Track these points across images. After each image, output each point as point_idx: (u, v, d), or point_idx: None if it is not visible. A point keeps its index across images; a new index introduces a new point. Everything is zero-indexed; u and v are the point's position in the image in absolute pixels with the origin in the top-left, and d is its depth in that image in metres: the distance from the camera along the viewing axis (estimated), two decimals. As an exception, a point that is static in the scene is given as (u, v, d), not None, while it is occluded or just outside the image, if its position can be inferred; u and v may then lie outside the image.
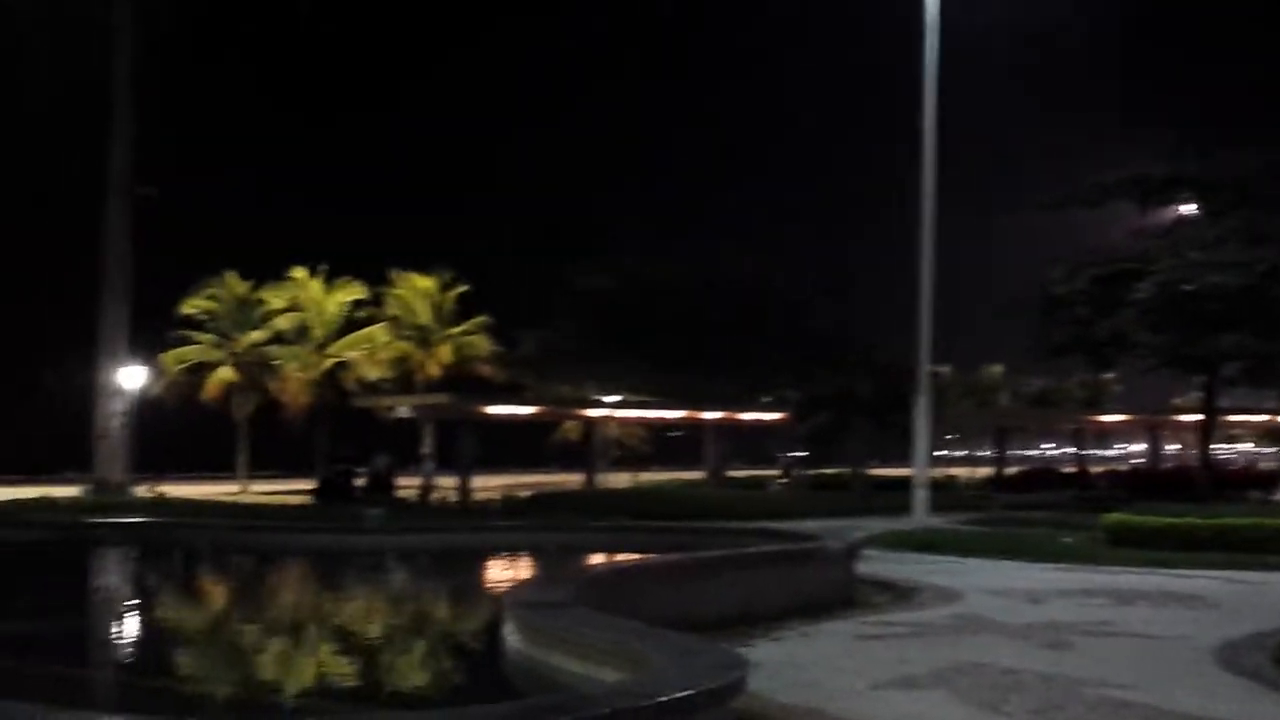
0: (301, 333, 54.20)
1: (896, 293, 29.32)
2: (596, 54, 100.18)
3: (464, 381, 51.14)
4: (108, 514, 20.35)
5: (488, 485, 36.75)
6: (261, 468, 53.17)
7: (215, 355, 53.51)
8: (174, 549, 15.09)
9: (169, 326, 52.49)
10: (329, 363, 53.75)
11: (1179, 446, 60.73)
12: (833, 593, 10.94)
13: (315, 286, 54.13)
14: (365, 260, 54.64)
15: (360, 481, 28.01)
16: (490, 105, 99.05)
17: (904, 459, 27.44)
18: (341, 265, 54.30)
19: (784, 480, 40.62)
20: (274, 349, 53.81)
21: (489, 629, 7.83)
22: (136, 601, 11.56)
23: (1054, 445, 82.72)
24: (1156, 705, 6.75)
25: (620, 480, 48.44)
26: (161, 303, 49.34)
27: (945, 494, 31.36)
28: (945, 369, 49.96)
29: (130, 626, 9.83)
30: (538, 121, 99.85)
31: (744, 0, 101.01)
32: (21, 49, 34.82)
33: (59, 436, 42.73)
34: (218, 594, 12.57)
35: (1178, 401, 52.50)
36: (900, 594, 11.95)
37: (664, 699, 4.35)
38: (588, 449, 44.46)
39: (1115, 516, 17.75)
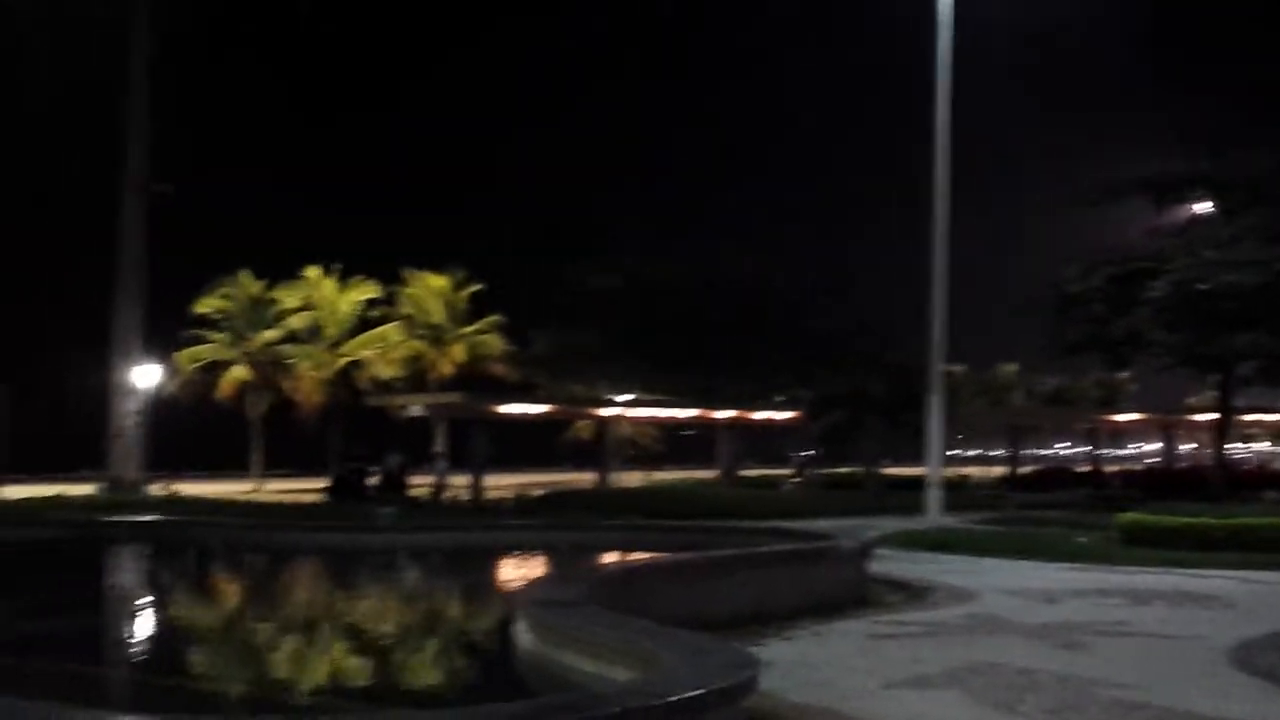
0: (315, 332, 54.36)
1: (909, 292, 29.30)
2: (596, 54, 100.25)
3: (477, 380, 51.23)
4: (122, 512, 20.41)
5: (500, 484, 36.77)
6: (275, 466, 53.33)
7: (229, 354, 53.70)
8: (187, 547, 15.13)
9: (183, 326, 52.72)
10: (342, 362, 53.90)
11: (1194, 446, 60.50)
12: (846, 592, 10.90)
13: (328, 286, 54.28)
14: (377, 260, 54.79)
15: (373, 480, 28.03)
16: (490, 105, 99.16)
17: (917, 458, 27.38)
18: (353, 264, 54.47)
19: (797, 479, 40.56)
20: (287, 348, 53.98)
21: (501, 627, 7.83)
22: (150, 600, 11.59)
23: (1068, 445, 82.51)
24: (1171, 706, 6.70)
25: (633, 479, 48.44)
26: (176, 302, 49.57)
27: (959, 493, 31.26)
28: (958, 368, 49.89)
29: (143, 625, 9.85)
30: (538, 121, 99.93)
31: (744, 0, 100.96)
32: (36, 49, 34.97)
33: (74, 435, 42.90)
34: (231, 592, 12.59)
35: (1193, 401, 52.31)
36: (914, 593, 11.91)
37: (675, 698, 4.33)
38: (600, 448, 44.46)
39: (1130, 516, 17.67)
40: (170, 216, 35.59)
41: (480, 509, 26.82)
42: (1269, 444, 67.06)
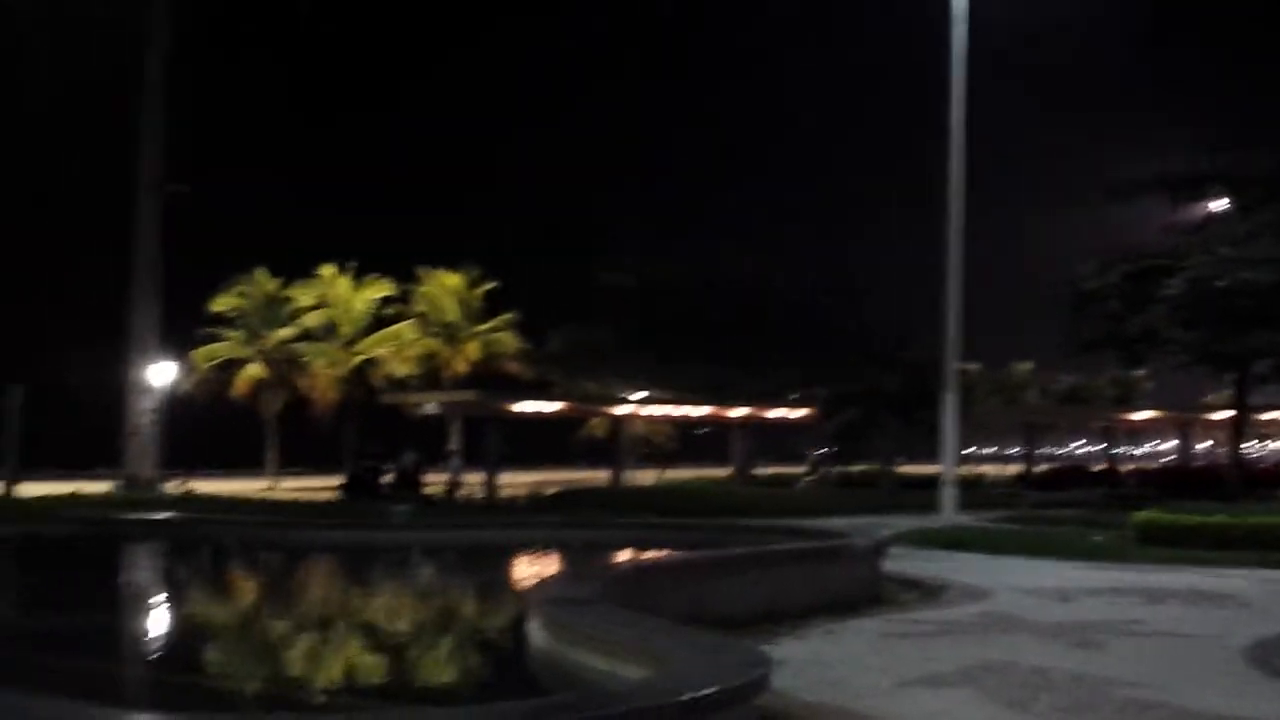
0: (330, 330, 54.53)
1: (922, 290, 29.25)
2: (596, 54, 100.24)
3: (491, 378, 51.31)
4: (137, 510, 20.49)
5: (515, 482, 36.85)
6: (290, 464, 53.51)
7: (244, 352, 53.90)
8: (202, 545, 15.18)
9: (199, 324, 52.93)
10: (357, 360, 54.04)
11: (1210, 444, 60.22)
12: (859, 590, 10.88)
13: (343, 284, 54.44)
14: (375, 259, 54.88)
15: (387, 478, 28.10)
16: (490, 105, 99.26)
17: (932, 456, 27.32)
18: (367, 262, 54.62)
19: (811, 478, 40.51)
20: (302, 346, 54.16)
21: (514, 625, 7.84)
22: (164, 597, 11.63)
23: (1083, 443, 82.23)
24: (1186, 705, 6.67)
25: (647, 478, 48.45)
26: (191, 300, 49.75)
27: (974, 492, 31.18)
28: (973, 365, 49.74)
29: (158, 622, 9.89)
30: (538, 121, 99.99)
31: (744, 0, 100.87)
32: (48, 48, 35.12)
33: (91, 433, 43.09)
34: (244, 590, 12.63)
35: (1209, 399, 52.07)
36: (928, 592, 11.88)
37: (688, 696, 4.33)
38: (614, 446, 44.49)
39: (1145, 515, 17.60)
40: (184, 215, 35.73)
41: (494, 507, 26.86)
42: (1286, 442, 66.72)
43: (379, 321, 55.19)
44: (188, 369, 50.39)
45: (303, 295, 54.28)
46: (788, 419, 45.40)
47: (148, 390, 33.53)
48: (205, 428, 50.94)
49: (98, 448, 41.84)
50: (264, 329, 54.23)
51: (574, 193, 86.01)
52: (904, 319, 39.21)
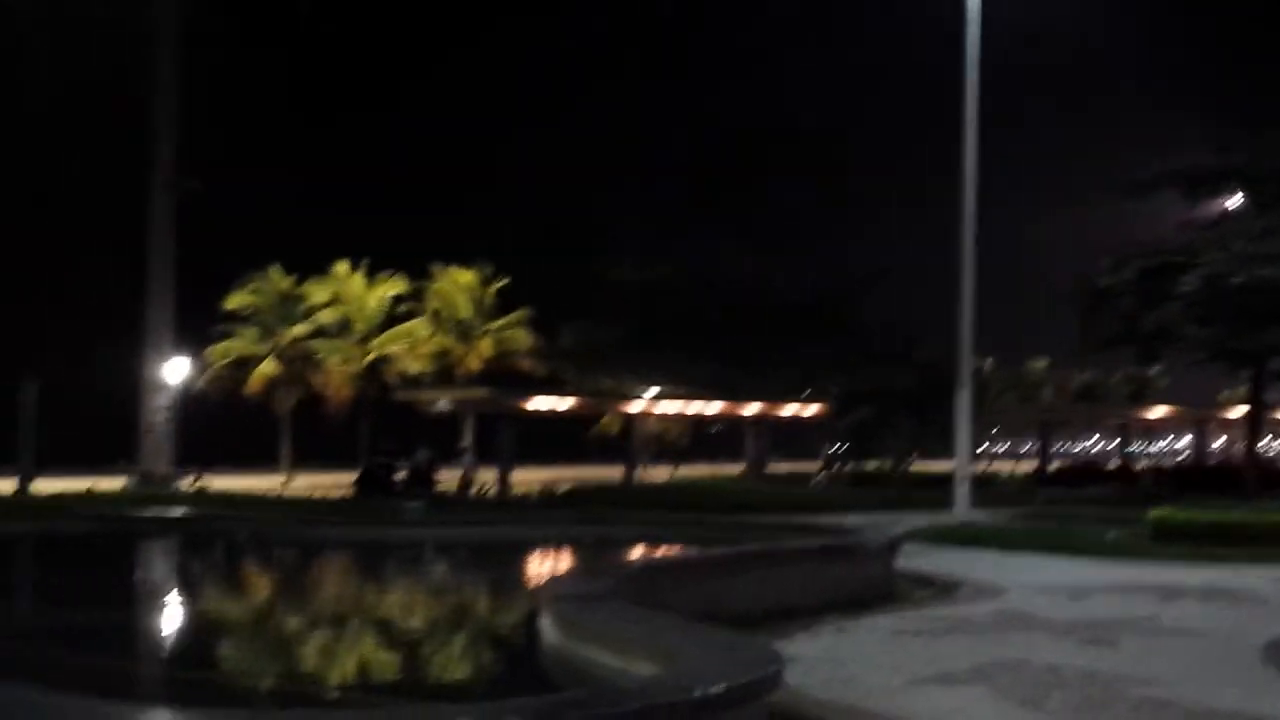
0: (343, 327, 54.65)
1: (936, 288, 29.18)
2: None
3: (504, 375, 51.37)
4: (151, 506, 20.57)
5: (527, 479, 36.85)
6: (304, 461, 53.63)
7: (258, 349, 54.06)
8: (215, 541, 15.23)
9: (213, 321, 53.11)
10: (370, 356, 54.16)
11: (1225, 442, 59.95)
12: (873, 588, 10.86)
13: (357, 281, 54.57)
14: (390, 257, 54.95)
15: (400, 475, 28.15)
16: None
17: (946, 454, 27.26)
18: (373, 260, 54.76)
19: (824, 475, 40.47)
20: (316, 343, 54.30)
21: (526, 622, 7.84)
22: (178, 593, 11.67)
23: (1098, 440, 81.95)
24: (1200, 703, 6.64)
25: (660, 475, 48.44)
26: (205, 298, 49.90)
27: (988, 489, 31.08)
28: (987, 362, 49.61)
29: (171, 618, 9.92)
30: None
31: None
32: (60, 46, 35.26)
33: (107, 430, 43.29)
34: (258, 586, 12.66)
35: (1224, 396, 51.84)
36: (941, 589, 11.86)
37: (700, 693, 4.32)
38: (627, 443, 44.50)
39: (1160, 512, 17.53)
40: (197, 212, 35.86)
41: (506, 503, 26.88)
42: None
43: (392, 319, 55.31)
44: (202, 366, 50.58)
45: (316, 292, 54.42)
46: (801, 416, 45.35)
47: (162, 387, 33.67)
48: (219, 424, 51.09)
49: (113, 444, 42.02)
50: (278, 326, 54.38)
51: (574, 193, 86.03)
52: (918, 317, 39.18)
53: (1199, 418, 48.99)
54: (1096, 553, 15.83)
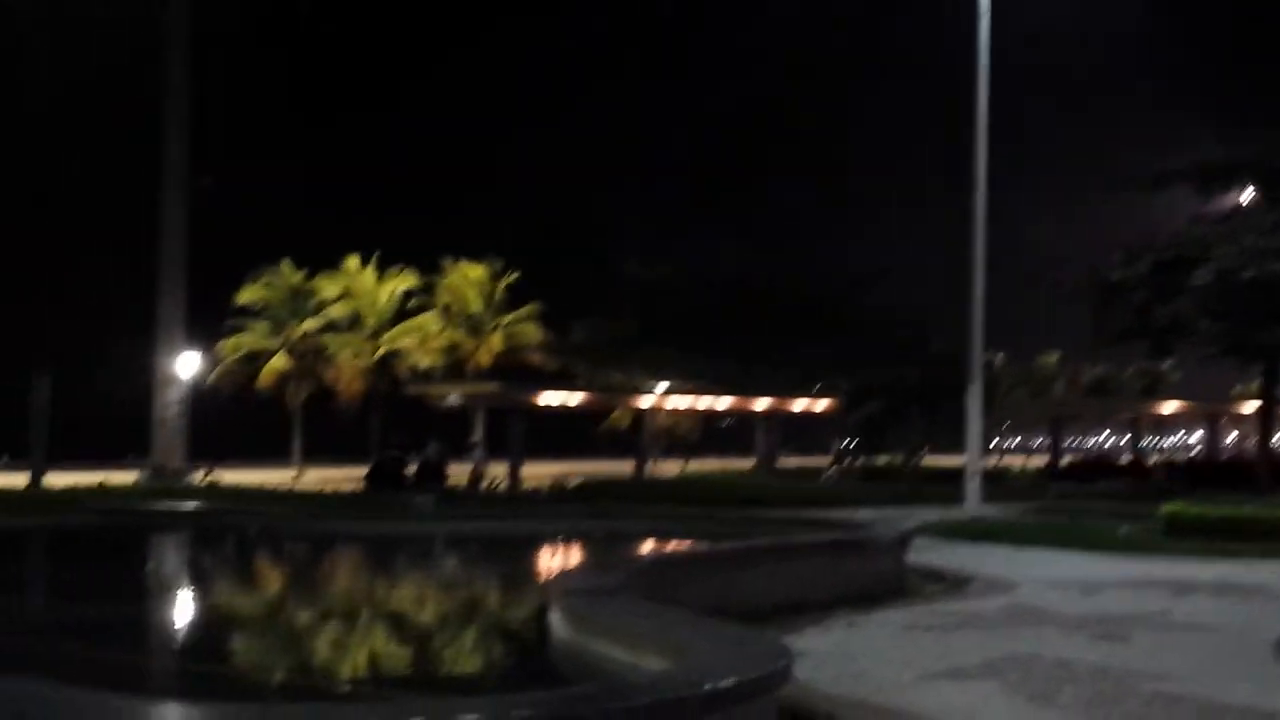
0: (354, 321, 54.75)
1: (948, 283, 29.11)
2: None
3: (514, 370, 51.43)
4: (163, 500, 20.63)
5: (538, 473, 36.87)
6: (315, 455, 53.77)
7: (269, 344, 54.18)
8: (227, 535, 15.27)
9: (224, 316, 53.26)
10: (381, 351, 54.25)
11: (1236, 436, 59.74)
12: (883, 582, 10.84)
13: (368, 276, 54.66)
14: (391, 256, 55.00)
15: (411, 469, 28.19)
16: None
17: (957, 448, 27.21)
18: (384, 256, 54.83)
19: (834, 470, 40.44)
20: (327, 337, 54.40)
21: (536, 616, 7.84)
22: (188, 588, 11.70)
23: (1109, 435, 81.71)
24: (1212, 698, 6.61)
25: (670, 469, 48.46)
26: (216, 292, 50.04)
27: (999, 484, 31.03)
28: (998, 356, 49.50)
29: (181, 611, 9.95)
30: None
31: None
32: (71, 45, 35.36)
33: (120, 424, 43.46)
34: (268, 580, 12.69)
35: (1237, 391, 51.67)
36: (952, 584, 11.84)
37: (709, 688, 4.31)
38: (637, 438, 44.51)
39: (1172, 507, 17.47)
40: (208, 208, 35.98)
41: (517, 498, 26.91)
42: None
43: (403, 313, 55.39)
44: (213, 361, 50.71)
45: (327, 287, 54.53)
46: (812, 411, 45.32)
47: (174, 382, 33.77)
48: (231, 419, 51.27)
49: (125, 439, 42.19)
50: (289, 321, 54.49)
51: (574, 193, 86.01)
52: (929, 313, 39.07)
53: (1211, 412, 48.86)
54: (1108, 548, 15.78)
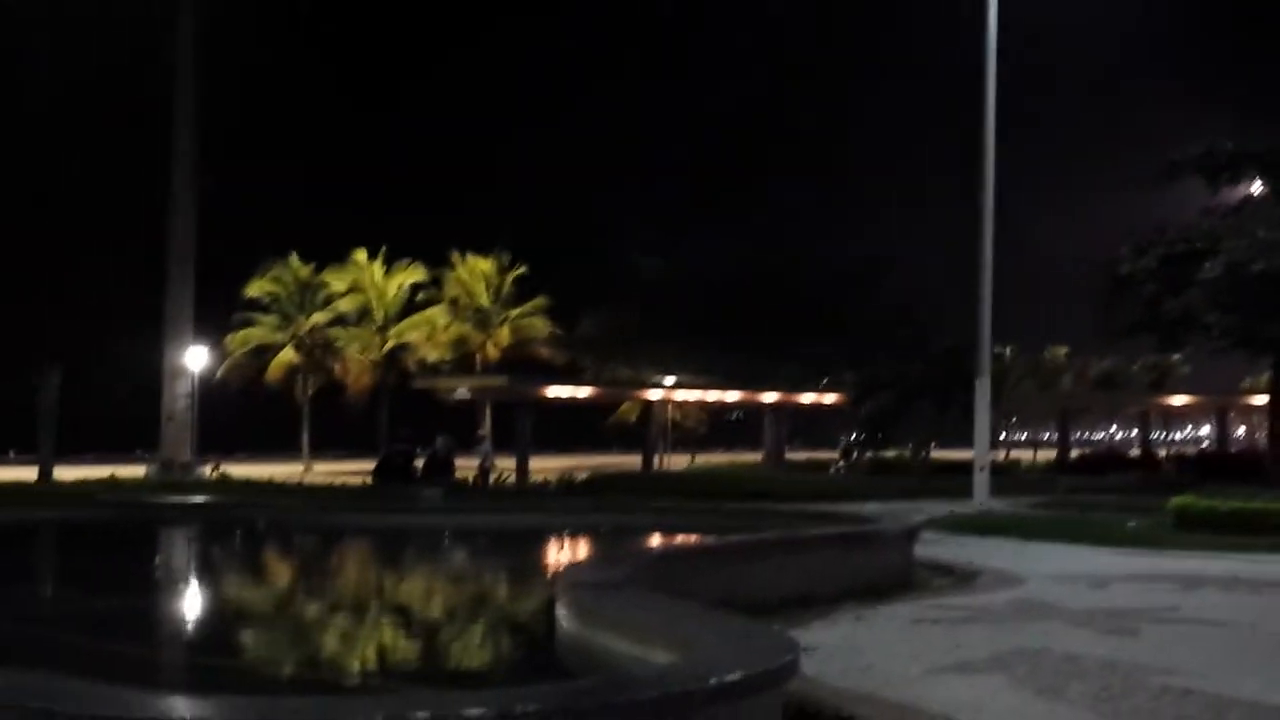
0: (363, 315, 54.81)
1: (958, 276, 29.06)
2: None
3: (522, 363, 51.47)
4: (172, 494, 20.69)
5: (545, 467, 36.90)
6: (323, 448, 53.88)
7: (278, 337, 54.26)
8: (234, 528, 15.30)
9: (233, 309, 53.36)
10: (389, 345, 54.31)
11: (1246, 430, 59.60)
12: (891, 576, 10.82)
13: (376, 269, 54.70)
14: (403, 252, 55.00)
15: (419, 462, 28.22)
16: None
17: (965, 442, 27.16)
18: (392, 253, 54.85)
19: (843, 463, 40.42)
20: (335, 331, 54.48)
21: (542, 609, 7.84)
22: (196, 580, 11.73)
23: (1117, 429, 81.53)
24: (1221, 693, 6.59)
25: (679, 462, 48.47)
26: (224, 286, 50.15)
27: (1008, 477, 30.99)
28: (1007, 349, 49.40)
29: (188, 604, 9.97)
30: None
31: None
32: (87, 36, 35.41)
33: (130, 418, 43.61)
34: (277, 573, 12.72)
35: (1246, 384, 51.54)
36: (960, 578, 11.81)
37: (715, 682, 4.30)
38: (646, 431, 44.50)
39: (1182, 500, 17.42)
40: (215, 203, 36.05)
41: (525, 491, 26.94)
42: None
43: (411, 307, 55.43)
44: (221, 355, 50.80)
45: (336, 280, 54.60)
46: (820, 404, 45.27)
47: (183, 375, 33.83)
48: (239, 412, 51.38)
49: (133, 433, 42.30)
50: (298, 314, 54.56)
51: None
52: (938, 307, 39.01)
53: (1221, 405, 48.72)
54: (1117, 541, 15.75)
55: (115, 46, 35.57)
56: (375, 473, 25.47)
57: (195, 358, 35.17)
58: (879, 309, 39.47)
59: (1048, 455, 51.51)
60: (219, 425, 41.60)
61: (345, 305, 54.57)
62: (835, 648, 7.73)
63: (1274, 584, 11.55)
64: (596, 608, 6.09)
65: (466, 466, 31.45)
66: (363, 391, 54.09)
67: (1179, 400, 50.51)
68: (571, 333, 49.00)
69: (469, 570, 12.64)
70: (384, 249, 54.50)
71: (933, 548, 13.50)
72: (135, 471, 30.68)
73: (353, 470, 37.99)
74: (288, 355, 53.90)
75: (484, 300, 55.53)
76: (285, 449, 53.10)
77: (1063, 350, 64.84)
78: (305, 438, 53.21)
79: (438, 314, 54.77)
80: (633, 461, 43.66)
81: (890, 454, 38.48)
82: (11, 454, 48.50)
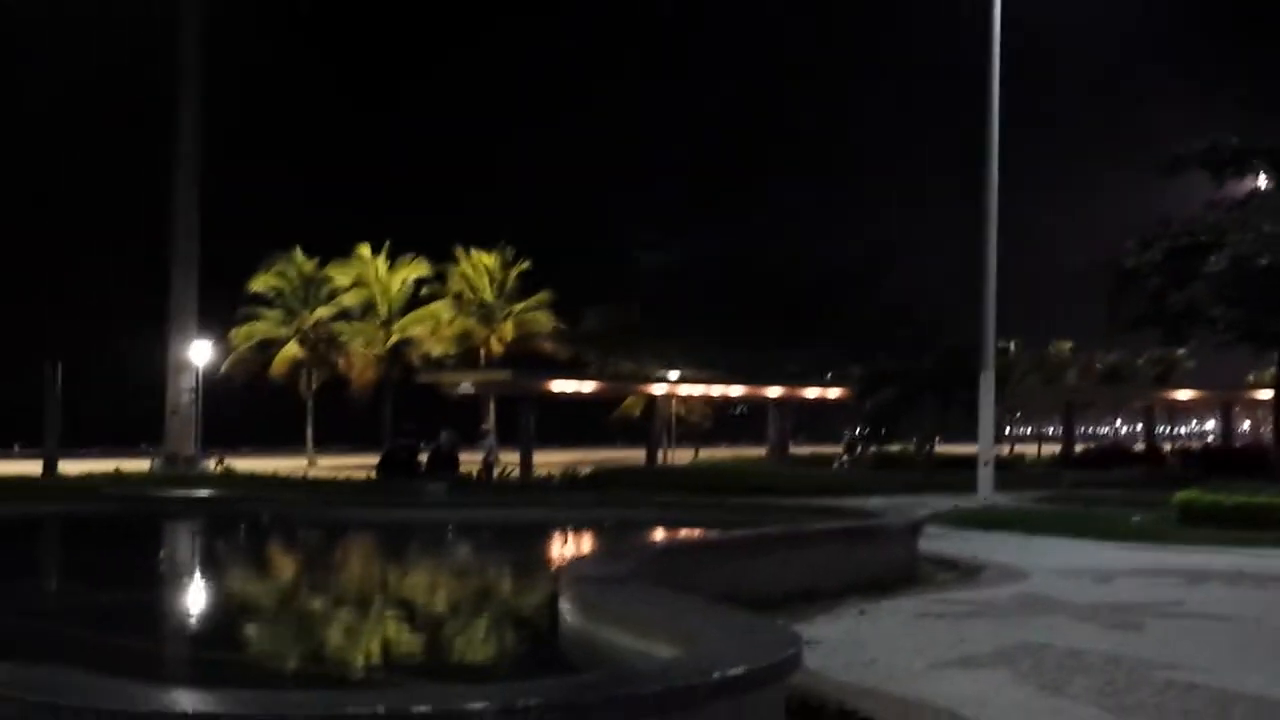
0: (367, 309, 54.84)
1: (961, 271, 29.03)
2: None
3: (526, 358, 51.49)
4: (176, 488, 20.71)
5: (549, 461, 36.91)
6: (327, 443, 53.93)
7: (282, 332, 54.30)
8: (238, 522, 15.32)
9: (238, 303, 53.41)
10: (393, 339, 54.33)
11: (1251, 425, 59.51)
12: (895, 570, 10.82)
13: (380, 264, 54.72)
14: (419, 244, 54.99)
15: (423, 457, 28.25)
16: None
17: (970, 436, 27.14)
18: (395, 250, 54.86)
19: (847, 457, 40.40)
20: (339, 325, 54.52)
21: (546, 604, 7.84)
22: (200, 574, 11.74)
23: (1122, 423, 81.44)
24: (1227, 687, 6.58)
25: (683, 457, 48.45)
26: (228, 281, 50.18)
27: (1012, 472, 30.96)
28: (1012, 344, 49.33)
29: (192, 599, 9.98)
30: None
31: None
32: (92, 30, 35.42)
33: (135, 412, 43.69)
34: (281, 567, 12.73)
35: (1251, 378, 51.42)
36: (964, 572, 11.81)
37: (718, 676, 4.30)
38: (649, 425, 44.49)
39: (1186, 495, 17.39)
40: (218, 198, 36.07)
41: (528, 486, 26.94)
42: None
43: (415, 301, 55.46)
44: (226, 349, 50.85)
45: (340, 275, 54.62)
46: (825, 398, 45.24)
47: (187, 369, 33.87)
48: (244, 407, 51.44)
49: (138, 427, 42.36)
50: (302, 308, 54.60)
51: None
52: (942, 302, 38.97)
53: (1226, 400, 48.65)
54: (1122, 536, 15.73)
55: (116, 46, 35.59)
56: (379, 467, 25.51)
57: (199, 352, 35.20)
58: (882, 306, 39.45)
59: (1052, 450, 51.46)
60: (223, 420, 41.64)
61: (349, 300, 54.59)
62: (839, 642, 7.73)
63: (1278, 578, 11.53)
64: (600, 602, 6.09)
65: (470, 461, 31.49)
66: (367, 386, 54.11)
67: (1184, 395, 50.41)
68: (575, 327, 48.99)
69: (473, 565, 12.64)
70: (388, 244, 54.53)
71: (937, 542, 13.50)
72: (140, 466, 30.72)
73: (357, 465, 38.01)
74: (292, 350, 53.93)
75: (488, 295, 55.54)
76: (289, 444, 53.15)
77: (1067, 345, 64.73)
78: (309, 432, 53.27)
79: (442, 309, 54.78)
80: (636, 456, 43.63)
81: (894, 448, 38.47)
82: (16, 448, 48.60)
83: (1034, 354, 60.14)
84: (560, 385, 39.39)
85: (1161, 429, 58.94)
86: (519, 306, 55.72)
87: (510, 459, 34.15)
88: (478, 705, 3.71)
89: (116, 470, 26.88)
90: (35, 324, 48.31)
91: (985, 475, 23.76)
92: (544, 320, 54.89)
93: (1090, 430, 73.15)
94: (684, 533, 12.51)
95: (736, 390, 44.58)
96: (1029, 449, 56.85)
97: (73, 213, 60.47)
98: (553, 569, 10.48)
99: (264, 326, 54.32)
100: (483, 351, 54.75)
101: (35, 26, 35.00)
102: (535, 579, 10.54)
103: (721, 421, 61.99)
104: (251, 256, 53.41)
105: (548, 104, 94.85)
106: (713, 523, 12.55)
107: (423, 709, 3.68)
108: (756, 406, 49.75)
